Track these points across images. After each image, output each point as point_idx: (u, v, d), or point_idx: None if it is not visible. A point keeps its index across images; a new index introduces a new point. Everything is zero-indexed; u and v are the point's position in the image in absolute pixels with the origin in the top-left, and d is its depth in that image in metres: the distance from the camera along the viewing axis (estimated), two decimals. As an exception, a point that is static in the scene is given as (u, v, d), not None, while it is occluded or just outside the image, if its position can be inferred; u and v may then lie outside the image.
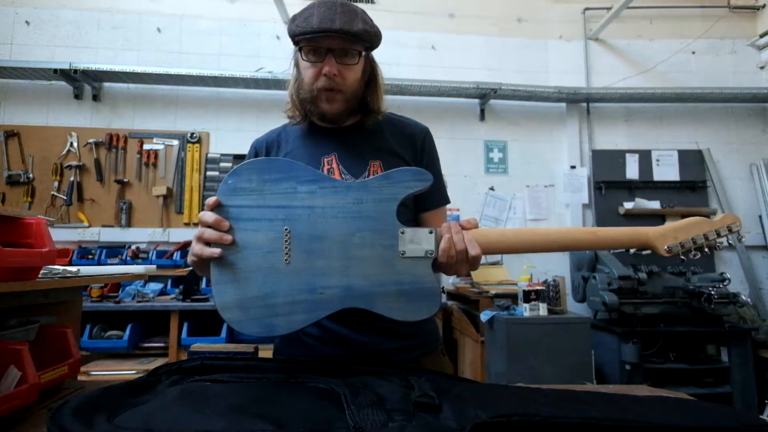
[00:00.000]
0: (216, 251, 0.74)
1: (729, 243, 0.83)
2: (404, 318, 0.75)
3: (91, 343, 2.62)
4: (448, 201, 1.07)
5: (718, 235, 0.78)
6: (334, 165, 0.96)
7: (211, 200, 0.76)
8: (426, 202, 1.01)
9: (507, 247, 0.82)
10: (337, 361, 0.81)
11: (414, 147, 1.01)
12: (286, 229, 0.77)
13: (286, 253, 0.76)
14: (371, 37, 0.91)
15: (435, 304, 0.75)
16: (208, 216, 0.75)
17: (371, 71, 0.98)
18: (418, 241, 0.77)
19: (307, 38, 0.88)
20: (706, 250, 0.79)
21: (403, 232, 0.77)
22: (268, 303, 0.75)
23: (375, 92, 0.99)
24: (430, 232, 0.78)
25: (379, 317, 0.75)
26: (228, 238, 0.74)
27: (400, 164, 0.96)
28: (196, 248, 0.76)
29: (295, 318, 0.74)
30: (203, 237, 0.75)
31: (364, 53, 0.93)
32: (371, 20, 0.93)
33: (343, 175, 0.95)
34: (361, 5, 0.94)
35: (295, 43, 0.93)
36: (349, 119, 1.01)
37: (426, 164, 1.00)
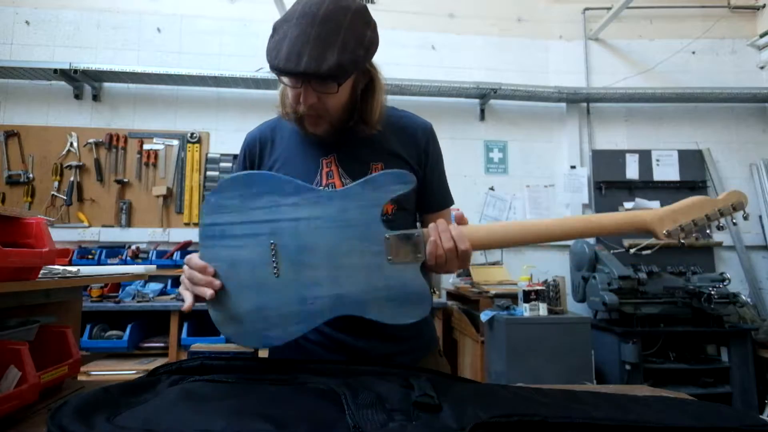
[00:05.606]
0: (209, 293, 0.74)
1: (734, 222, 0.79)
2: (395, 321, 0.75)
3: (91, 343, 2.62)
4: (452, 202, 1.04)
5: (722, 215, 0.76)
6: (333, 167, 0.93)
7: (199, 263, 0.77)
8: (430, 204, 0.99)
9: (497, 240, 0.81)
10: (336, 362, 0.81)
11: (417, 147, 0.97)
12: (272, 243, 0.77)
13: (275, 267, 0.77)
14: (348, 69, 0.78)
15: (425, 307, 0.76)
16: (195, 262, 0.77)
17: (369, 79, 0.90)
18: (404, 245, 0.77)
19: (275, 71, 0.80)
20: (707, 230, 0.77)
21: (388, 238, 0.76)
22: (263, 315, 0.76)
23: (370, 103, 0.90)
24: (417, 235, 0.77)
25: (374, 322, 0.76)
26: (217, 283, 0.75)
27: (403, 166, 0.93)
28: (187, 294, 0.77)
29: (290, 329, 0.75)
30: (193, 280, 0.77)
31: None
32: (359, 35, 0.80)
33: (343, 179, 0.92)
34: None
35: None
36: (348, 121, 0.94)
37: (430, 165, 0.98)
